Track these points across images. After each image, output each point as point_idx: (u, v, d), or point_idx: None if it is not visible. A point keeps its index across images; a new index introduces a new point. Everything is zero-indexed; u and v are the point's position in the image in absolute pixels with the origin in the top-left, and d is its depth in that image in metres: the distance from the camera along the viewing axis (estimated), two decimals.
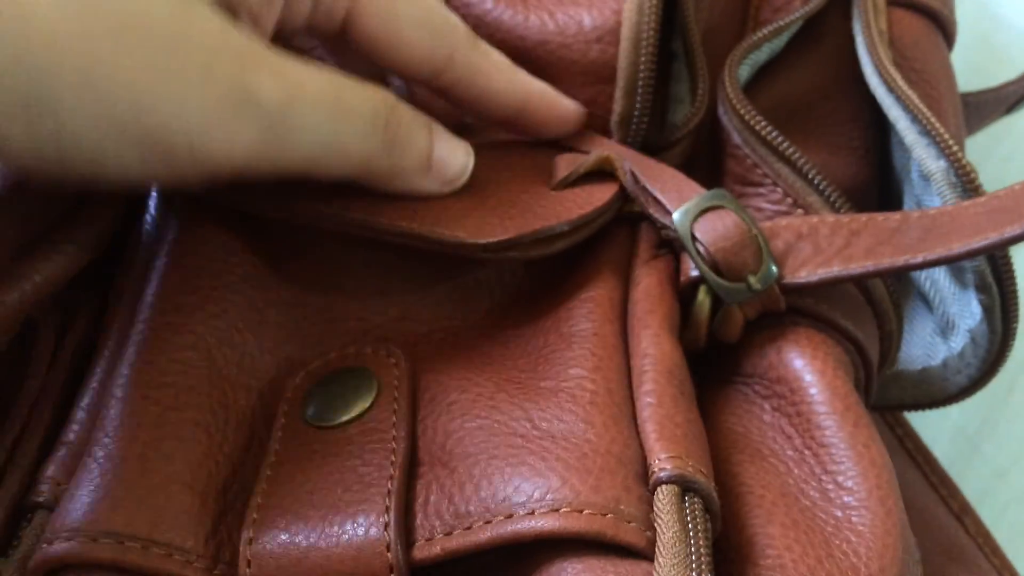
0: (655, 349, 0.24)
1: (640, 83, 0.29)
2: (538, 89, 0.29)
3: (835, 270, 0.26)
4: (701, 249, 0.26)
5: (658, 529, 0.20)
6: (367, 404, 0.24)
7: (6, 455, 0.24)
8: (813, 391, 0.25)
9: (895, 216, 0.27)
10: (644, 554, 0.20)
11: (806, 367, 0.26)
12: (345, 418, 0.24)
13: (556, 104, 0.29)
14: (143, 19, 0.21)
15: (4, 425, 0.24)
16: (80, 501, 0.21)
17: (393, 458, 0.22)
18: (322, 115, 0.24)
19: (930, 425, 0.41)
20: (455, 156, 0.27)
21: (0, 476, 0.23)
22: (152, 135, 0.21)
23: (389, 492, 0.22)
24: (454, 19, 0.28)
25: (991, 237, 0.24)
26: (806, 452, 0.24)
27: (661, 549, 0.20)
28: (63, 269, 0.26)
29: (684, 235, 0.26)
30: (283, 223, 0.27)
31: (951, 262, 0.25)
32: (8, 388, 0.25)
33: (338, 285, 0.28)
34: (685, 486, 0.21)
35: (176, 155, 0.22)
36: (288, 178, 0.24)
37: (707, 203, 0.26)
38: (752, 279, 0.26)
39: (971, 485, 0.39)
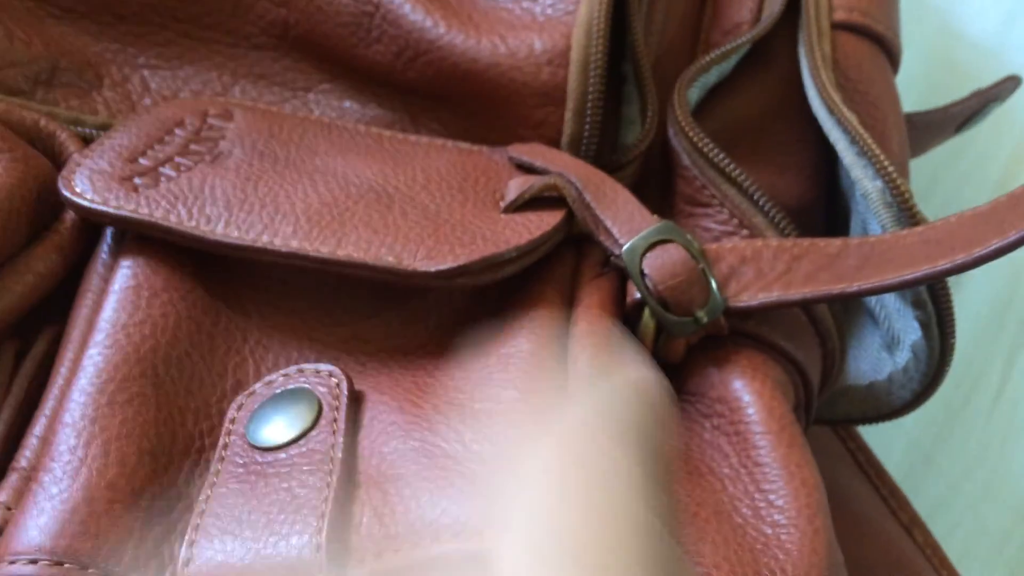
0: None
1: (589, 105, 0.30)
2: None
3: (775, 295, 0.27)
4: (649, 284, 0.27)
5: None
6: (307, 425, 0.24)
7: None
8: (751, 411, 0.26)
9: (836, 242, 0.27)
10: None
11: (745, 388, 0.26)
12: (285, 440, 0.24)
13: None
14: None
15: None
16: (24, 526, 0.22)
17: (329, 479, 0.23)
18: None
19: (884, 437, 0.41)
20: None
21: None
22: None
23: (323, 514, 0.22)
24: None
25: (923, 269, 0.25)
26: (742, 471, 0.25)
27: None
28: (22, 298, 0.27)
29: (633, 271, 0.27)
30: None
31: (885, 292, 0.26)
32: None
33: (287, 309, 0.28)
34: None
35: None
36: None
37: (656, 237, 0.27)
38: (699, 313, 0.26)
39: (925, 497, 0.40)
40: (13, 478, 0.24)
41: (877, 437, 0.39)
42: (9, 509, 0.23)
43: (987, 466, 0.43)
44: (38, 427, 0.25)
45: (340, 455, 0.23)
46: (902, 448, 0.43)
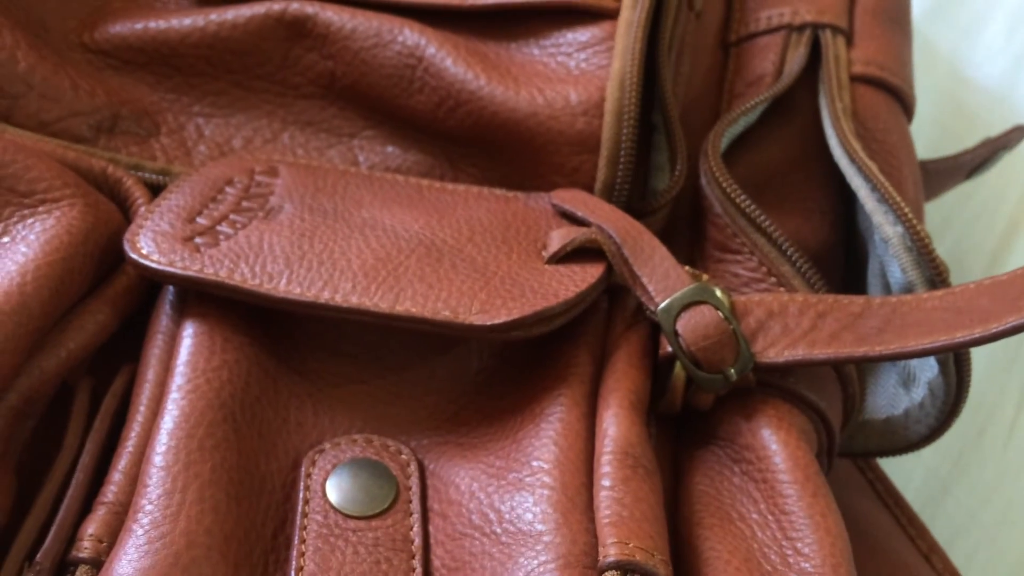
0: (613, 429, 0.26)
1: (623, 153, 0.32)
2: None
3: (801, 353, 0.28)
4: (683, 344, 0.28)
5: None
6: (388, 503, 0.26)
7: (47, 514, 0.25)
8: (777, 460, 0.27)
9: (859, 301, 0.29)
10: None
11: (772, 436, 0.28)
12: (369, 512, 0.26)
13: None
14: None
15: (44, 485, 0.26)
16: (127, 564, 0.23)
17: (414, 565, 0.25)
18: None
19: (902, 468, 0.43)
20: None
21: (42, 533, 0.25)
22: None
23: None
24: None
25: (942, 340, 0.27)
26: (770, 517, 0.27)
27: None
28: (96, 336, 0.29)
29: (667, 330, 0.28)
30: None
31: (906, 358, 0.28)
32: (46, 450, 0.27)
33: (340, 356, 0.30)
34: (625, 570, 0.23)
35: None
36: None
37: (690, 298, 0.28)
38: (729, 371, 0.28)
39: (942, 527, 0.41)
40: (102, 511, 0.25)
41: (895, 467, 0.40)
42: (101, 542, 0.24)
43: (1004, 494, 0.44)
44: (122, 462, 0.26)
45: (419, 541, 0.25)
46: (920, 478, 0.44)
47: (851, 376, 0.31)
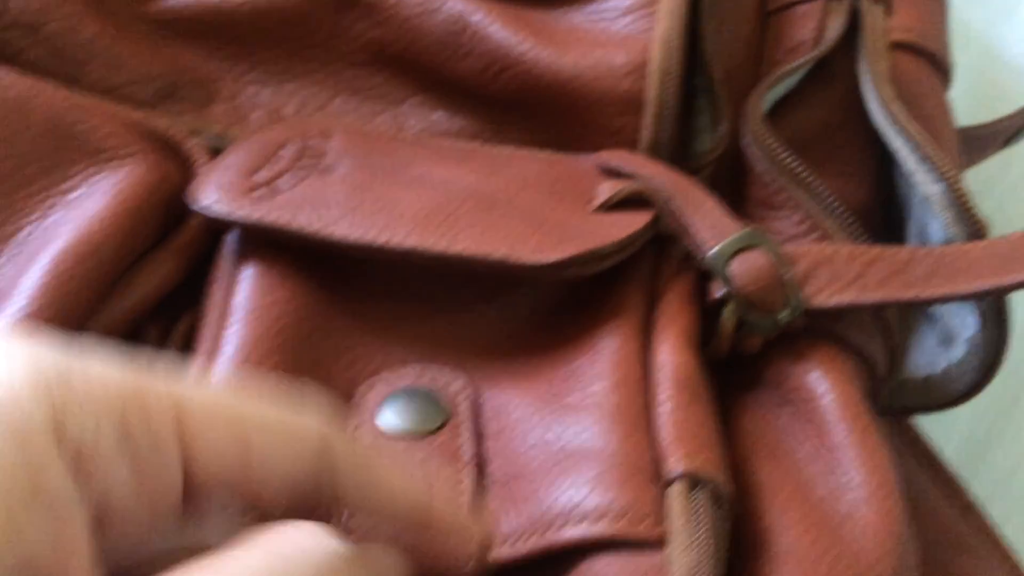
0: (671, 360, 0.27)
1: (667, 113, 0.33)
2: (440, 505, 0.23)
3: (850, 298, 0.29)
4: (735, 287, 0.29)
5: (669, 522, 0.23)
6: (437, 425, 0.27)
7: None
8: (827, 399, 0.28)
9: (904, 250, 0.30)
10: (657, 545, 0.23)
11: (821, 378, 0.28)
12: (418, 431, 0.27)
13: (461, 528, 0.24)
14: None
15: None
16: None
17: (462, 478, 0.26)
18: None
19: (939, 433, 0.43)
20: None
21: None
22: None
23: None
24: (305, 422, 0.22)
25: (991, 283, 0.28)
26: (819, 453, 0.27)
27: (672, 538, 0.23)
28: (161, 284, 0.30)
29: (719, 274, 0.29)
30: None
31: (955, 300, 0.28)
32: None
33: (392, 301, 0.31)
34: (693, 481, 0.24)
35: None
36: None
37: (741, 243, 0.29)
38: (780, 313, 0.29)
39: (977, 491, 0.42)
40: None
41: (930, 432, 0.41)
42: None
43: None
44: None
45: (469, 457, 0.26)
46: (954, 446, 0.45)
47: (893, 328, 0.32)
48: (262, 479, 0.20)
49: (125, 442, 0.19)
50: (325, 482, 0.21)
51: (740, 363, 0.30)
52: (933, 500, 0.37)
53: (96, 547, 0.18)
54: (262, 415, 0.21)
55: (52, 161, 0.31)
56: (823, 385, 0.28)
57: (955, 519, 0.36)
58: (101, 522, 0.19)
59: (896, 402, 0.37)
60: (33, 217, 0.30)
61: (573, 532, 0.23)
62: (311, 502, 0.21)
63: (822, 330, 0.29)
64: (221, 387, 0.21)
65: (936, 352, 0.36)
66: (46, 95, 0.31)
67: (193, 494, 0.20)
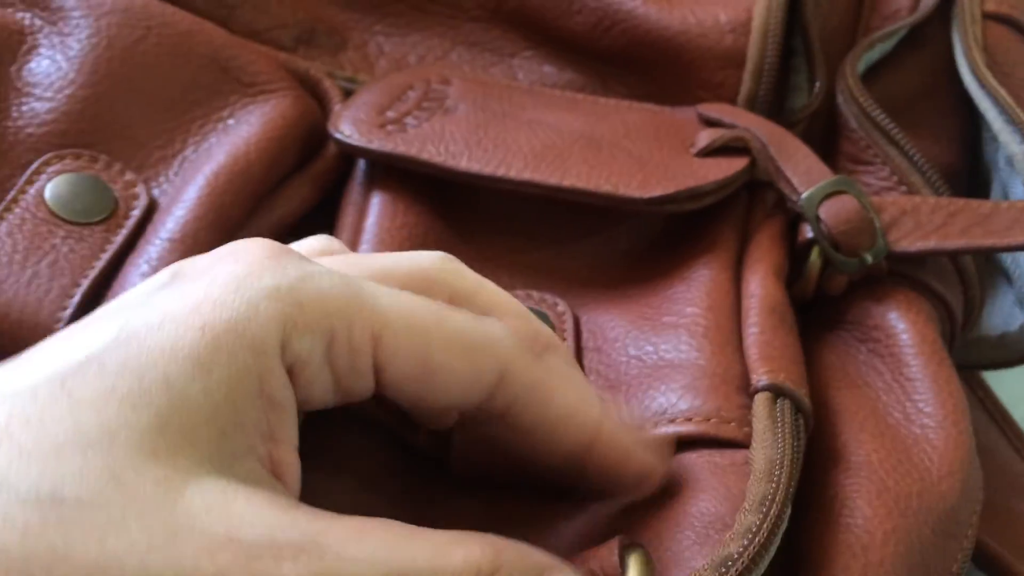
0: (761, 290, 0.30)
1: (766, 68, 0.35)
2: (612, 427, 0.24)
3: (933, 244, 0.31)
4: (824, 228, 0.31)
5: (753, 425, 0.25)
6: None
7: None
8: (905, 336, 0.30)
9: (987, 203, 0.32)
10: (741, 445, 0.25)
11: (900, 318, 0.31)
12: None
13: (630, 453, 0.24)
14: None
15: None
16: None
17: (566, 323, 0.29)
18: None
19: (1010, 394, 0.45)
20: None
21: None
22: None
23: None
24: (498, 329, 0.23)
25: None
26: (894, 384, 0.29)
27: (754, 438, 0.25)
28: (300, 207, 0.34)
29: (809, 215, 0.31)
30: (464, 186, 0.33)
31: None
32: None
33: (502, 233, 0.34)
34: (777, 392, 0.26)
35: None
36: None
37: (832, 188, 0.31)
38: (865, 255, 0.31)
39: None
40: None
41: (1000, 391, 0.42)
42: None
43: None
44: None
45: (570, 326, 0.29)
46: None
47: (973, 280, 0.34)
48: (439, 395, 0.23)
49: (330, 355, 0.22)
50: (499, 398, 0.23)
51: (823, 304, 0.33)
52: (1003, 452, 0.39)
53: (296, 434, 0.22)
54: (450, 333, 0.23)
55: (212, 90, 0.34)
56: (902, 324, 0.30)
57: (1021, 469, 0.38)
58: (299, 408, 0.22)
59: (971, 358, 0.39)
60: (195, 139, 0.34)
61: (665, 431, 0.26)
62: (481, 415, 0.23)
63: (904, 275, 0.32)
64: (418, 300, 0.23)
65: (1012, 312, 0.38)
66: (207, 31, 0.35)
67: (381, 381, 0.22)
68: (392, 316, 0.22)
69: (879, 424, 0.28)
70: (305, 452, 0.22)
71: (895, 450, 0.27)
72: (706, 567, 0.21)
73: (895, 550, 0.24)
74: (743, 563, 0.21)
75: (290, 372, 0.21)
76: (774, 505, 0.22)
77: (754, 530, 0.22)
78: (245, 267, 0.21)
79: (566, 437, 0.23)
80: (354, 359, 0.22)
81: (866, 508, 0.24)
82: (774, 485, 0.23)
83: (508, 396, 0.23)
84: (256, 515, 0.19)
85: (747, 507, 0.23)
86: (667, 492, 0.24)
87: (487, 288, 0.25)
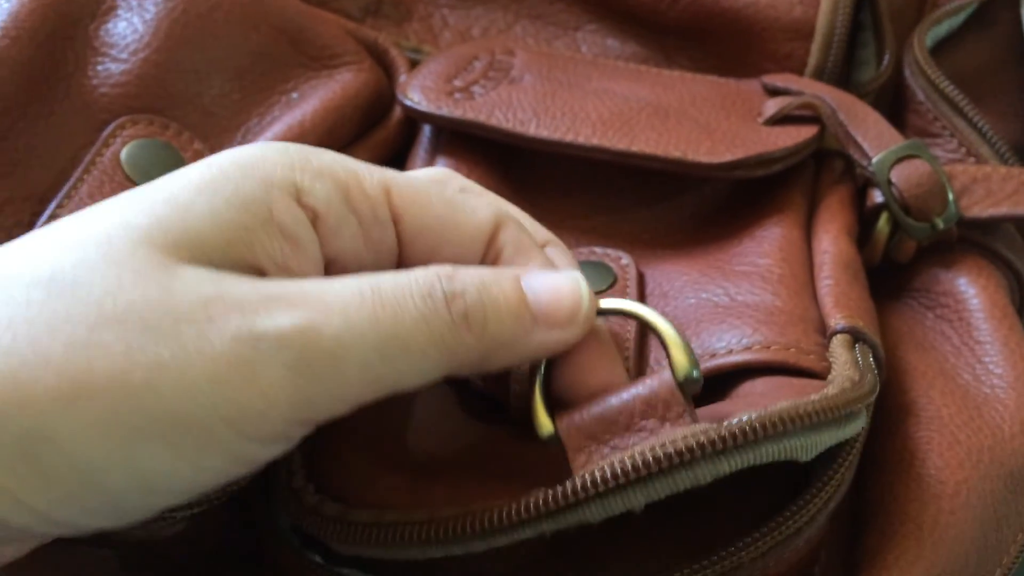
0: (834, 247, 0.29)
1: (835, 39, 0.35)
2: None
3: (1004, 210, 0.31)
4: (895, 192, 0.31)
5: (832, 360, 0.25)
6: (604, 287, 0.30)
7: None
8: (975, 301, 0.30)
9: None
10: (820, 375, 0.25)
11: (970, 284, 0.31)
12: None
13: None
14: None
15: None
16: None
17: (629, 328, 0.28)
18: (361, 326, 0.21)
19: None
20: (560, 289, 0.23)
21: None
22: (171, 432, 0.19)
23: (627, 357, 0.28)
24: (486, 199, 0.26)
25: None
26: (963, 348, 0.29)
27: (834, 371, 0.24)
28: None
29: (881, 179, 0.31)
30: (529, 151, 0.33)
31: None
32: None
33: (567, 199, 0.34)
34: (856, 336, 0.26)
35: (211, 433, 0.20)
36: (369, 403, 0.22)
37: (904, 152, 0.31)
38: (937, 220, 0.31)
39: None
40: None
41: None
42: None
43: None
44: None
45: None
46: None
47: None
48: (449, 247, 0.24)
49: (351, 209, 0.23)
50: (488, 260, 0.25)
51: (888, 272, 0.33)
52: None
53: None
54: (447, 199, 0.25)
55: (279, 62, 0.35)
56: (972, 289, 0.30)
57: None
58: (333, 268, 0.24)
59: None
60: (260, 110, 0.34)
61: (739, 358, 0.25)
62: None
63: (973, 241, 0.31)
64: (415, 177, 0.25)
65: None
66: (279, 0, 0.35)
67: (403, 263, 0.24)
68: (392, 174, 0.25)
69: (948, 383, 0.28)
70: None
71: (966, 407, 0.27)
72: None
73: (966, 500, 0.23)
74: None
75: (314, 217, 0.23)
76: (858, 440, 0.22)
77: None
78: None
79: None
80: (374, 207, 0.24)
81: (937, 459, 0.24)
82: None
83: (497, 249, 0.25)
84: (251, 284, 0.21)
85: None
86: (744, 400, 0.24)
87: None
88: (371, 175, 0.24)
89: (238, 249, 0.21)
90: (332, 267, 0.24)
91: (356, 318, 0.21)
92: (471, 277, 0.22)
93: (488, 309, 0.22)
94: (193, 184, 0.22)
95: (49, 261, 0.20)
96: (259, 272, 0.22)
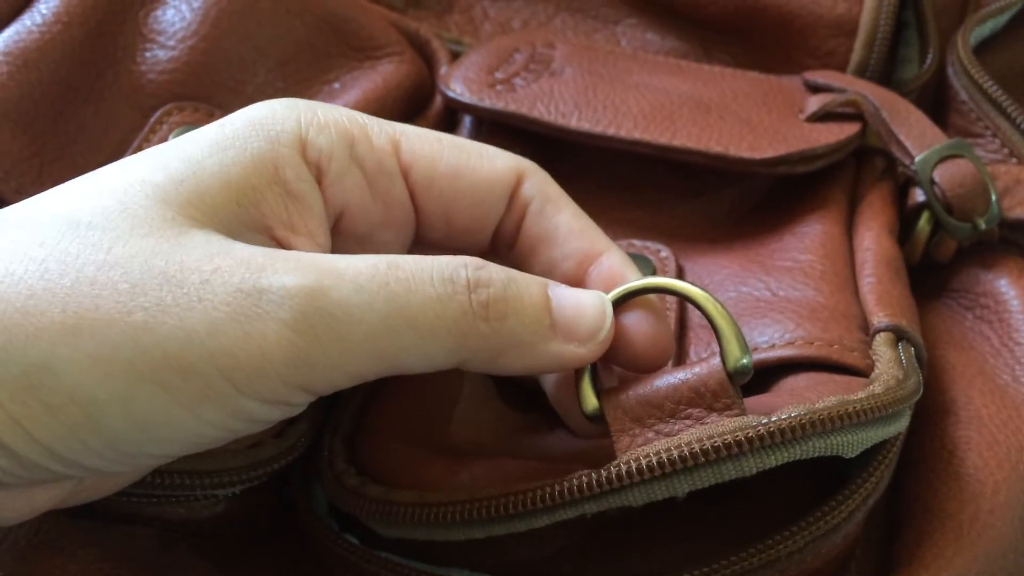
0: (876, 245, 0.29)
1: (879, 37, 0.35)
2: (605, 245, 0.25)
3: None
4: (938, 192, 0.31)
5: (875, 358, 0.25)
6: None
7: None
8: (1015, 303, 0.30)
9: None
10: (863, 373, 0.25)
11: (1011, 285, 0.30)
12: None
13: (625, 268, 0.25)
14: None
15: None
16: None
17: (670, 322, 0.28)
18: (371, 294, 0.20)
19: None
20: (584, 306, 0.23)
21: None
22: (174, 375, 0.20)
23: None
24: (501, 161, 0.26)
25: None
26: (1003, 349, 0.29)
27: (878, 369, 0.24)
28: None
29: (924, 178, 0.31)
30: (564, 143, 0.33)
31: None
32: None
33: (605, 191, 0.35)
34: (900, 334, 0.26)
35: (208, 383, 0.20)
36: (378, 376, 0.22)
37: (947, 151, 0.31)
38: (979, 220, 0.30)
39: None
40: None
41: None
42: None
43: None
44: None
45: (671, 305, 0.29)
46: None
47: None
48: (465, 199, 0.25)
49: (354, 158, 0.24)
50: (514, 217, 0.25)
51: (927, 272, 0.33)
52: None
53: (328, 239, 0.24)
54: (460, 146, 0.25)
55: (322, 52, 0.36)
56: (1012, 291, 0.30)
57: None
58: (343, 219, 0.24)
59: None
60: None
61: (782, 353, 0.25)
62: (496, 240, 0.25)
63: (1015, 243, 0.31)
64: (425, 133, 0.25)
65: None
66: None
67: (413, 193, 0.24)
68: (405, 127, 0.25)
69: (988, 384, 0.27)
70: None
71: (1005, 407, 0.27)
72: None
73: (1006, 500, 0.23)
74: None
75: (318, 170, 0.23)
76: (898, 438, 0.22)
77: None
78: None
79: (572, 250, 0.25)
80: (380, 157, 0.24)
81: (976, 458, 0.24)
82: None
83: (524, 202, 0.25)
84: (261, 248, 0.21)
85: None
86: (789, 394, 0.24)
87: None
88: (380, 128, 0.25)
89: (247, 209, 0.22)
90: (341, 221, 0.24)
91: (367, 286, 0.21)
92: (499, 271, 0.22)
93: (511, 303, 0.22)
94: (207, 143, 0.23)
95: (70, 207, 0.21)
96: (267, 231, 0.22)
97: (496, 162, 0.25)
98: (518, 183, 0.25)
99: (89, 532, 0.26)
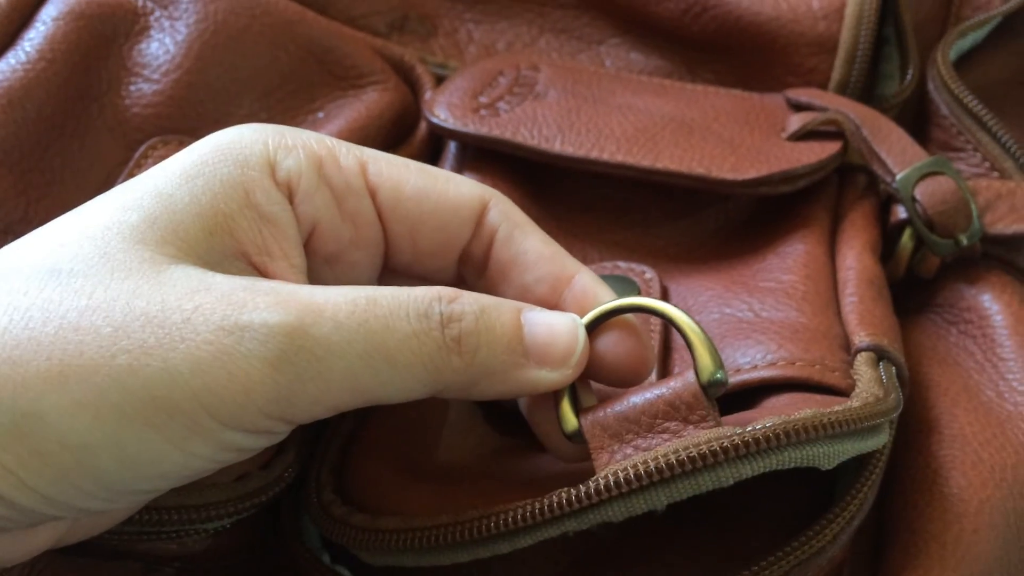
0: (858, 264, 0.30)
1: (859, 54, 0.35)
2: (576, 267, 0.25)
3: None
4: (920, 209, 0.31)
5: (856, 378, 0.25)
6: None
7: None
8: (998, 318, 0.30)
9: None
10: (844, 393, 0.25)
11: (994, 300, 0.31)
12: None
13: (598, 290, 0.25)
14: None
15: None
16: None
17: (653, 343, 0.28)
18: (351, 331, 0.21)
19: None
20: (557, 331, 0.23)
21: None
22: (156, 415, 0.20)
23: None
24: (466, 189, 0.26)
25: None
26: (986, 364, 0.29)
27: (859, 388, 0.24)
28: None
29: (905, 195, 0.31)
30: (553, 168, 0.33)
31: None
32: None
33: (590, 213, 0.35)
34: (880, 354, 0.26)
35: (195, 421, 0.20)
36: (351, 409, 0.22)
37: (928, 168, 0.31)
38: (961, 236, 0.31)
39: None
40: None
41: None
42: None
43: None
44: None
45: (655, 326, 0.29)
46: None
47: None
48: (431, 224, 0.25)
49: (324, 179, 0.24)
50: (481, 243, 0.25)
51: (910, 288, 0.33)
52: None
53: (304, 260, 0.24)
54: (427, 171, 0.25)
55: (306, 82, 0.36)
56: (996, 306, 0.30)
57: None
58: (313, 237, 0.24)
59: None
60: None
61: (764, 374, 0.26)
62: (464, 266, 0.25)
63: (996, 258, 0.31)
64: (393, 158, 0.26)
65: None
66: (307, 21, 0.36)
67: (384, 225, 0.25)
68: (372, 151, 0.25)
69: (972, 400, 0.28)
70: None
71: (989, 424, 0.27)
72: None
73: (990, 519, 0.24)
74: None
75: (288, 190, 0.24)
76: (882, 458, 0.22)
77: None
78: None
79: (544, 273, 0.25)
80: (347, 177, 0.25)
81: (960, 478, 0.24)
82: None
83: (490, 228, 0.25)
84: (241, 281, 0.22)
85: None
86: (768, 411, 0.24)
87: None
88: (348, 150, 0.25)
89: (221, 238, 0.22)
90: (312, 240, 0.25)
91: (346, 324, 0.21)
92: (472, 302, 0.22)
93: (483, 336, 0.22)
94: (177, 173, 0.23)
95: (49, 256, 0.21)
96: (244, 257, 0.23)
97: (462, 187, 0.25)
98: (483, 209, 0.25)
99: (82, 569, 0.26)
